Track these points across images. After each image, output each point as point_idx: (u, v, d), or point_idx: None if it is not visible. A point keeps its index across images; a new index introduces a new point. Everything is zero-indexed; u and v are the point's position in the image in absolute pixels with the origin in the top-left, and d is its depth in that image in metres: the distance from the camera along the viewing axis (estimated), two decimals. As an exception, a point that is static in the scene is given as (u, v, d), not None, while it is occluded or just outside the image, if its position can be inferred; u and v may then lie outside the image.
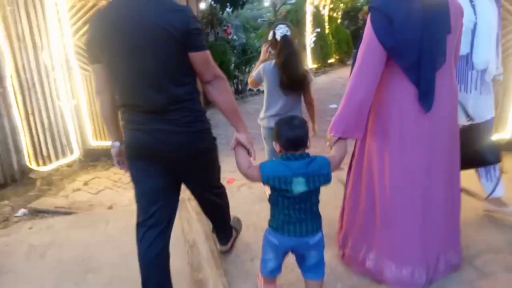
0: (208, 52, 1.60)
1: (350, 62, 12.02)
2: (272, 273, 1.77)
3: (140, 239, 1.72)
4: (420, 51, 1.66)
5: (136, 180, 1.77)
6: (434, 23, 1.66)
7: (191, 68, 1.60)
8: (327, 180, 1.60)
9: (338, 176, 3.30)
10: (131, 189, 3.25)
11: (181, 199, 2.96)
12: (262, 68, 2.63)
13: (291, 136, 1.57)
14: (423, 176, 1.82)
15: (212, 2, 7.57)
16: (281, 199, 1.61)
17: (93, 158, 3.99)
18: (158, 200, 1.73)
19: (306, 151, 1.63)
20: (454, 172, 1.97)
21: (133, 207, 3.03)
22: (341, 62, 11.82)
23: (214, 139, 1.82)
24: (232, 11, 8.22)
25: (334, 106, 6.27)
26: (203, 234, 2.45)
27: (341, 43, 11.44)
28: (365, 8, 11.36)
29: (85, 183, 3.52)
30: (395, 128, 1.81)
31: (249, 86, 5.36)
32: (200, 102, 1.75)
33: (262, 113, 2.74)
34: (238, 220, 2.51)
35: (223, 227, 2.30)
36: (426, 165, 1.82)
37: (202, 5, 7.32)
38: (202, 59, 1.59)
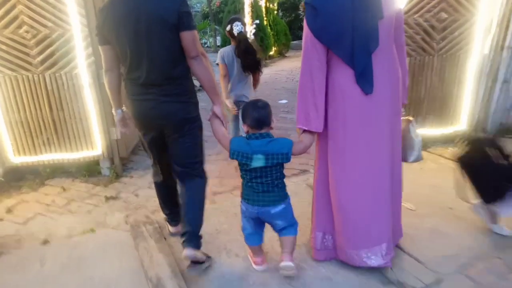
0: (195, 31, 1.90)
1: (289, 54, 12.14)
2: (252, 239, 2.01)
3: (155, 172, 2.30)
4: (352, 37, 1.74)
5: (143, 136, 2.15)
6: (364, 9, 1.73)
7: (183, 49, 1.88)
8: (286, 158, 1.80)
9: (308, 181, 3.11)
10: (69, 213, 2.80)
11: (135, 222, 2.56)
12: (223, 53, 3.26)
13: (255, 116, 1.79)
14: (369, 159, 1.89)
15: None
16: (244, 172, 1.87)
17: (17, 178, 3.32)
18: (165, 150, 2.14)
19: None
20: (396, 157, 2.01)
21: (75, 238, 2.59)
22: (281, 54, 11.76)
23: (199, 118, 2.10)
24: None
25: (284, 101, 6.09)
26: (168, 268, 2.07)
27: (279, 34, 11.35)
28: (305, -1, 11.34)
29: (9, 211, 2.88)
30: (339, 111, 1.87)
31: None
32: (191, 79, 2.04)
33: (229, 92, 3.36)
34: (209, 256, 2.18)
35: (193, 223, 2.02)
36: (371, 148, 1.88)
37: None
38: (190, 37, 1.87)
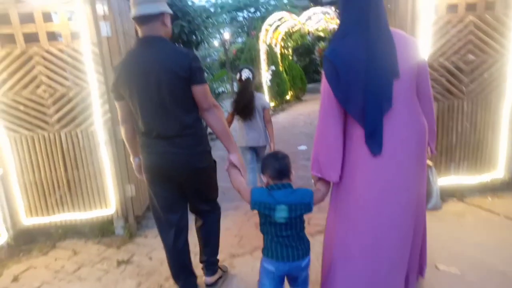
0: (206, 85, 1.97)
1: (305, 97, 12.18)
2: None
3: (166, 238, 2.21)
4: (364, 95, 1.68)
5: (154, 193, 2.14)
6: (378, 68, 1.67)
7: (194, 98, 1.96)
8: (308, 209, 1.75)
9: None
10: (77, 281, 2.60)
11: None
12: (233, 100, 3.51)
13: (277, 166, 1.76)
14: (376, 222, 1.77)
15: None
16: (268, 226, 1.77)
17: (27, 240, 3.17)
18: (177, 210, 2.18)
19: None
20: (418, 223, 1.89)
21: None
22: (297, 98, 11.81)
23: (214, 161, 2.19)
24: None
25: (303, 147, 5.91)
26: None
27: (295, 79, 11.46)
28: (321, 44, 11.58)
29: (15, 279, 2.70)
30: (352, 167, 1.80)
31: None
32: (203, 128, 2.13)
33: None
34: (225, 266, 2.56)
35: (211, 252, 2.34)
36: (379, 211, 1.75)
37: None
38: (202, 91, 1.94)
